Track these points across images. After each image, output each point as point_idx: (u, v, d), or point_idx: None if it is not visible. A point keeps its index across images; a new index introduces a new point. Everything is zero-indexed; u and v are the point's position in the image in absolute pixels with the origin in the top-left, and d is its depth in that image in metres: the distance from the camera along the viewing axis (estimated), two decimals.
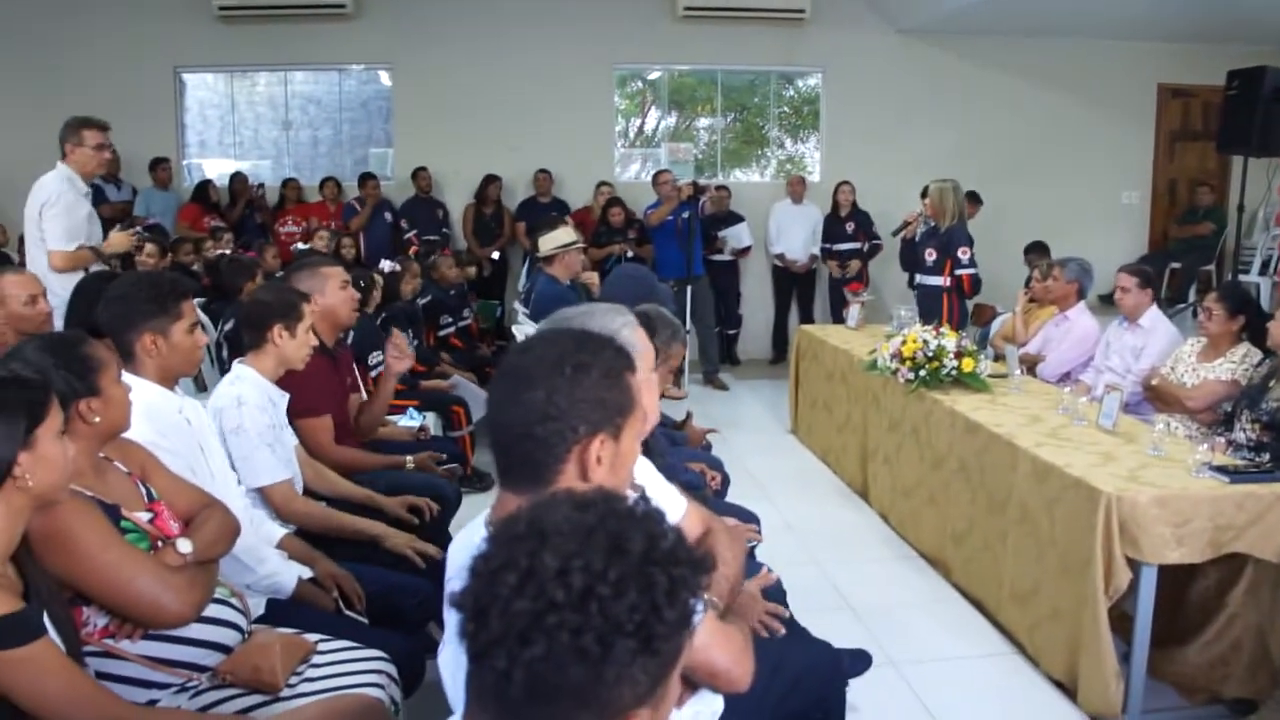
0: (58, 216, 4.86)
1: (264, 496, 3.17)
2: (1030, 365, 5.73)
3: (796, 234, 10.18)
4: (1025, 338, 6.15)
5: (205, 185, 9.76)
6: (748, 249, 10.13)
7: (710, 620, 1.79)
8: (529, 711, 0.99)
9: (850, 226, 9.98)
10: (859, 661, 3.35)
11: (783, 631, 2.46)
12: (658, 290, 4.29)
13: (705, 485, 3.84)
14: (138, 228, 6.03)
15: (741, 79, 11.26)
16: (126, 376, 2.42)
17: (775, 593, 2.89)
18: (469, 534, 1.77)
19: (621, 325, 2.21)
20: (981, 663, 3.90)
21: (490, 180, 9.93)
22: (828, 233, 10.08)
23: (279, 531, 2.99)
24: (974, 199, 9.09)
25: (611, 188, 9.95)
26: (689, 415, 4.72)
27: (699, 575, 1.05)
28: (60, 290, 4.33)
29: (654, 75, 11.39)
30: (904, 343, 5.07)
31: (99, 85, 9.83)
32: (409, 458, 3.93)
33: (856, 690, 2.71)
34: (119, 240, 5.13)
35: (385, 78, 10.63)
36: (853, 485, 5.96)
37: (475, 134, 10.03)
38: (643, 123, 11.86)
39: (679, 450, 4.17)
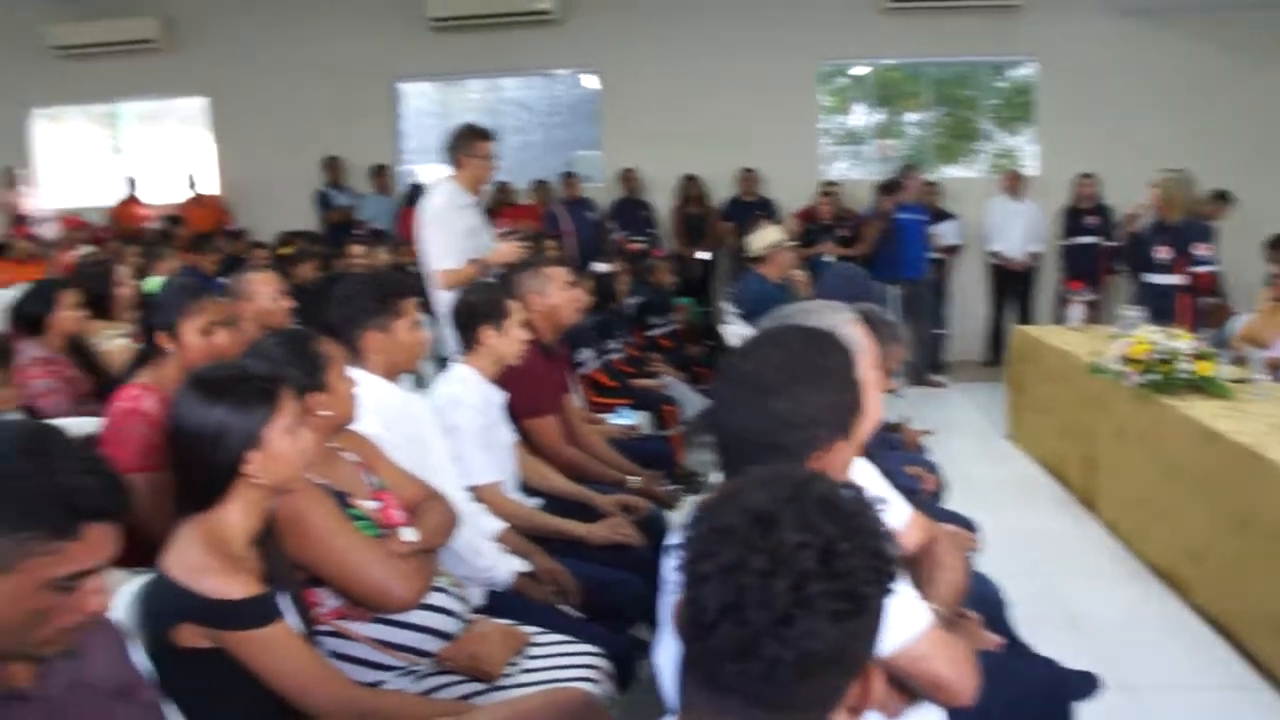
0: (434, 236, 4.88)
1: (475, 495, 3.25)
2: (1276, 369, 5.31)
3: (1014, 231, 9.74)
4: (1273, 339, 5.69)
5: (417, 189, 10.17)
6: (957, 247, 9.80)
7: (934, 630, 1.72)
8: (797, 691, 1.02)
9: (1092, 221, 9.41)
10: (1086, 684, 3.15)
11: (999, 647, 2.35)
12: (871, 290, 4.19)
13: (921, 489, 3.72)
14: (514, 231, 5.90)
15: (950, 71, 10.92)
16: (353, 372, 2.53)
17: (995, 605, 2.77)
18: None
19: (842, 322, 2.15)
20: (1226, 695, 3.58)
21: (694, 180, 9.96)
22: (1068, 228, 9.57)
23: (497, 525, 3.05)
24: (1222, 198, 8.52)
25: (834, 186, 9.79)
26: (903, 418, 4.59)
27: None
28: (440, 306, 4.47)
29: (859, 70, 11.16)
30: (1133, 344, 4.78)
31: (322, 96, 10.45)
32: (632, 477, 3.91)
33: (1083, 715, 2.55)
34: (507, 251, 4.93)
35: (592, 81, 10.81)
36: (1076, 494, 5.66)
37: (680, 134, 10.08)
38: (848, 119, 11.65)
39: (894, 454, 4.06)
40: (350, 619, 2.29)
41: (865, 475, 2.07)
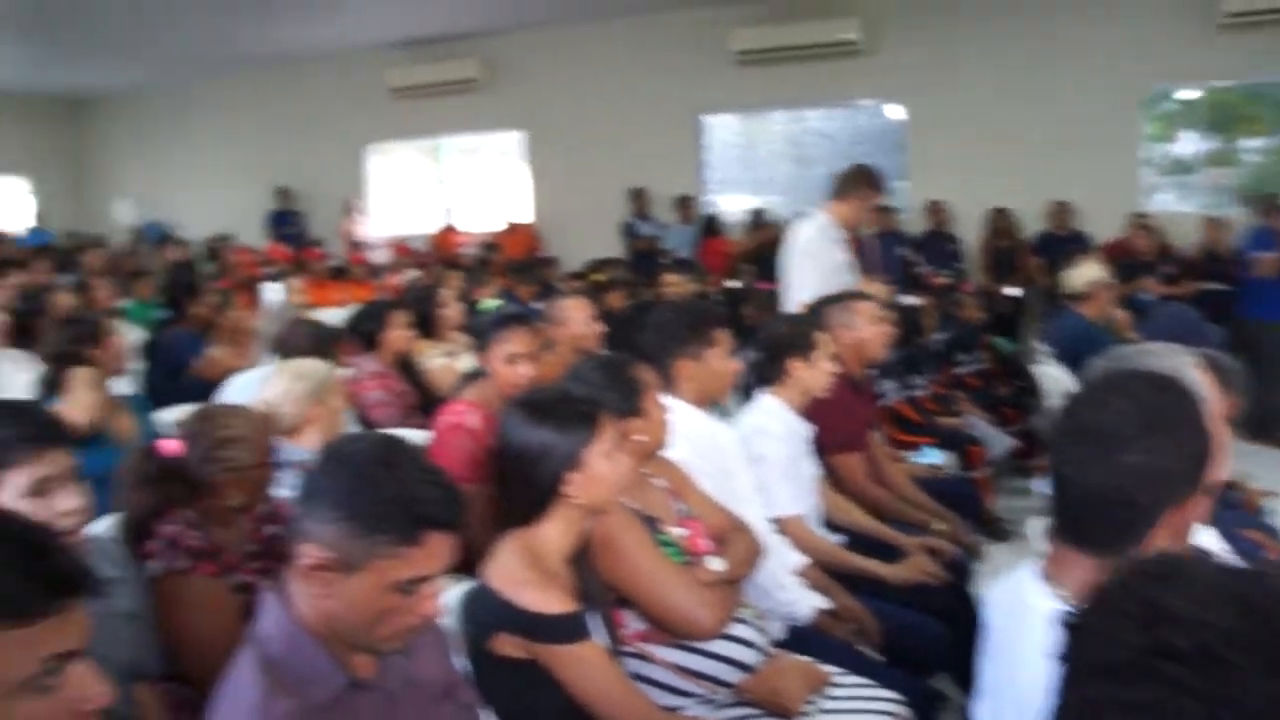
0: (803, 267, 4.80)
1: (778, 527, 3.21)
2: None
3: None
4: None
5: (711, 220, 10.34)
6: None
7: None
8: None
9: None
10: None
11: None
12: (1205, 332, 3.85)
13: (1262, 556, 3.37)
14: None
15: None
16: (665, 398, 2.56)
17: None
18: (1017, 593, 1.61)
19: (1185, 367, 1.97)
20: None
21: (1004, 212, 9.56)
22: None
23: (799, 559, 3.00)
24: None
25: (1147, 218, 9.13)
26: (1242, 476, 4.18)
27: None
28: None
29: (1188, 94, 10.35)
30: None
31: (629, 129, 10.82)
32: (937, 521, 3.75)
33: None
34: (877, 291, 4.75)
35: (896, 111, 10.61)
36: None
37: (989, 164, 9.69)
38: (1174, 146, 10.82)
39: (1230, 514, 3.70)
40: (653, 643, 2.31)
41: (1205, 539, 1.89)
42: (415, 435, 3.70)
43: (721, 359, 2.94)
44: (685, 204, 10.54)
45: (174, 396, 4.33)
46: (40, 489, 1.92)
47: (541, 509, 2.00)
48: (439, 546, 1.48)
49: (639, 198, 10.73)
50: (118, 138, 15.30)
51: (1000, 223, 9.58)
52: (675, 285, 6.45)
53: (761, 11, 10.12)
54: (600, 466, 2.00)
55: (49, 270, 6.84)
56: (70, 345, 3.51)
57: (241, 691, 1.46)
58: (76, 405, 3.29)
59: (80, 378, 3.37)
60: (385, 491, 1.45)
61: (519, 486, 2.01)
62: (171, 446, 2.23)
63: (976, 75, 9.76)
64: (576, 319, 3.86)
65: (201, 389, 4.69)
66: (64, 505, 1.94)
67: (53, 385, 3.37)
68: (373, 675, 1.57)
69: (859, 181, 4.83)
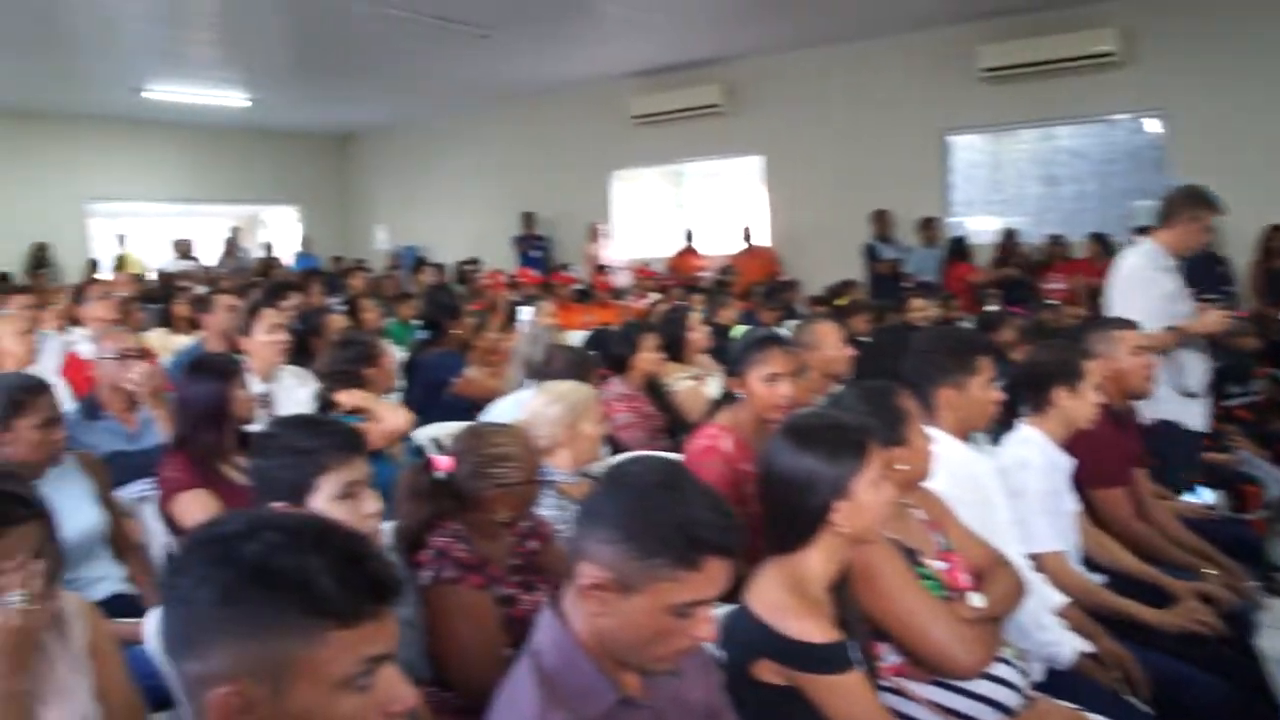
0: (1130, 297, 4.57)
1: (1036, 564, 3.09)
2: None
3: None
4: None
5: (960, 242, 10.03)
6: None
7: None
8: None
9: None
10: None
11: None
12: None
13: None
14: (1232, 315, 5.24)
15: None
16: (926, 428, 2.52)
17: None
18: None
19: None
20: None
21: (1277, 231, 8.86)
22: None
23: (1059, 599, 2.88)
24: None
25: None
26: None
27: None
28: None
29: None
30: None
31: (871, 150, 10.69)
32: (1209, 567, 3.50)
33: None
34: (1213, 320, 4.57)
35: (1154, 124, 10.03)
36: None
37: (1260, 179, 8.96)
38: None
39: None
40: (910, 678, 2.26)
41: None
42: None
43: (984, 388, 2.86)
44: (929, 226, 10.31)
45: (433, 414, 4.56)
46: (349, 493, 2.11)
47: (806, 537, 2.00)
48: (717, 572, 1.50)
49: (881, 220, 10.56)
50: (377, 169, 16.38)
51: (1273, 242, 8.89)
52: (922, 310, 6.31)
53: (1009, 27, 9.81)
54: (867, 496, 1.99)
55: (321, 293, 7.35)
56: (348, 365, 3.73)
57: (519, 702, 1.53)
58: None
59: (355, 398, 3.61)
60: (666, 515, 1.49)
61: (783, 513, 2.02)
62: (443, 462, 2.35)
63: (1242, 83, 9.09)
64: (828, 343, 3.84)
65: (459, 408, 4.94)
66: (368, 509, 2.12)
67: (331, 402, 3.61)
68: (641, 693, 1.61)
69: (1186, 203, 4.55)
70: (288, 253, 14.86)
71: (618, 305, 8.96)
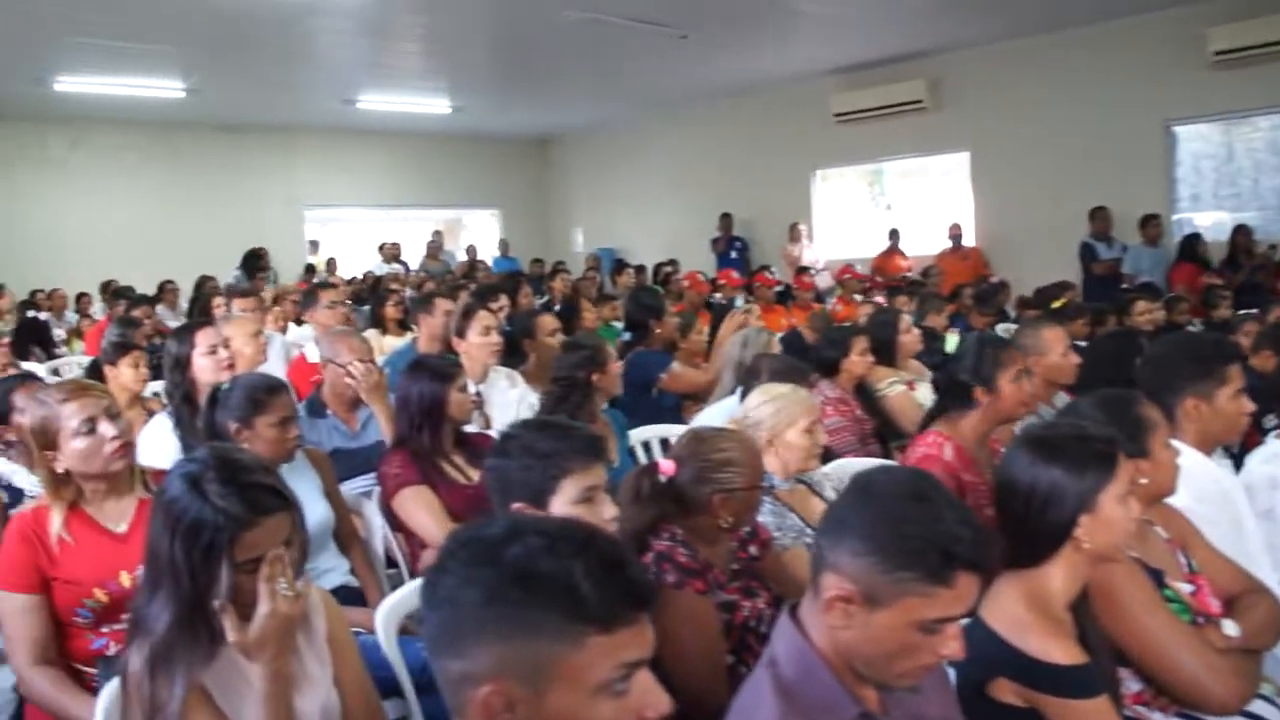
0: None
1: None
2: None
3: None
4: None
5: (1193, 240, 9.41)
6: None
7: None
8: None
9: None
10: None
11: None
12: None
13: None
14: None
15: None
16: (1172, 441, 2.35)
17: None
18: None
19: None
20: None
21: None
22: None
23: None
24: None
25: None
26: None
27: None
28: None
29: None
30: None
31: (1086, 143, 10.18)
32: None
33: None
34: None
35: None
36: None
37: None
38: None
39: None
40: (1153, 708, 2.11)
41: None
42: (875, 465, 3.68)
43: (1233, 398, 2.66)
44: (1150, 223, 9.67)
45: (641, 414, 4.58)
46: (587, 497, 2.13)
47: (1047, 552, 1.91)
48: (967, 588, 1.45)
49: (1099, 217, 9.97)
50: (575, 172, 16.75)
51: None
52: (1147, 313, 5.94)
53: (1243, 5, 9.10)
54: (1113, 511, 1.88)
55: (528, 295, 7.50)
56: (576, 370, 3.74)
57: (758, 713, 1.51)
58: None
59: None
60: (917, 528, 1.44)
61: (1023, 526, 1.93)
62: (666, 466, 2.34)
63: None
64: (1055, 349, 3.65)
65: (665, 407, 4.96)
66: (606, 514, 2.14)
67: (559, 405, 3.65)
68: (880, 709, 1.56)
69: None
70: (488, 255, 15.33)
71: (819, 307, 8.79)
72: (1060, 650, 1.79)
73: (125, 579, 2.41)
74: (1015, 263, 10.67)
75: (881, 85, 11.77)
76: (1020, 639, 1.82)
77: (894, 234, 11.92)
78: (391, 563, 3.38)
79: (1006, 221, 11.17)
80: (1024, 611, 1.85)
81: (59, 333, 8.84)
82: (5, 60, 9.85)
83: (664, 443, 4.22)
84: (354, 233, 16.34)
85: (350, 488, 3.50)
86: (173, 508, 1.75)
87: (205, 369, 3.69)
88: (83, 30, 8.82)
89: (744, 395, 3.70)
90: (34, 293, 11.20)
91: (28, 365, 5.90)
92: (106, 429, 2.47)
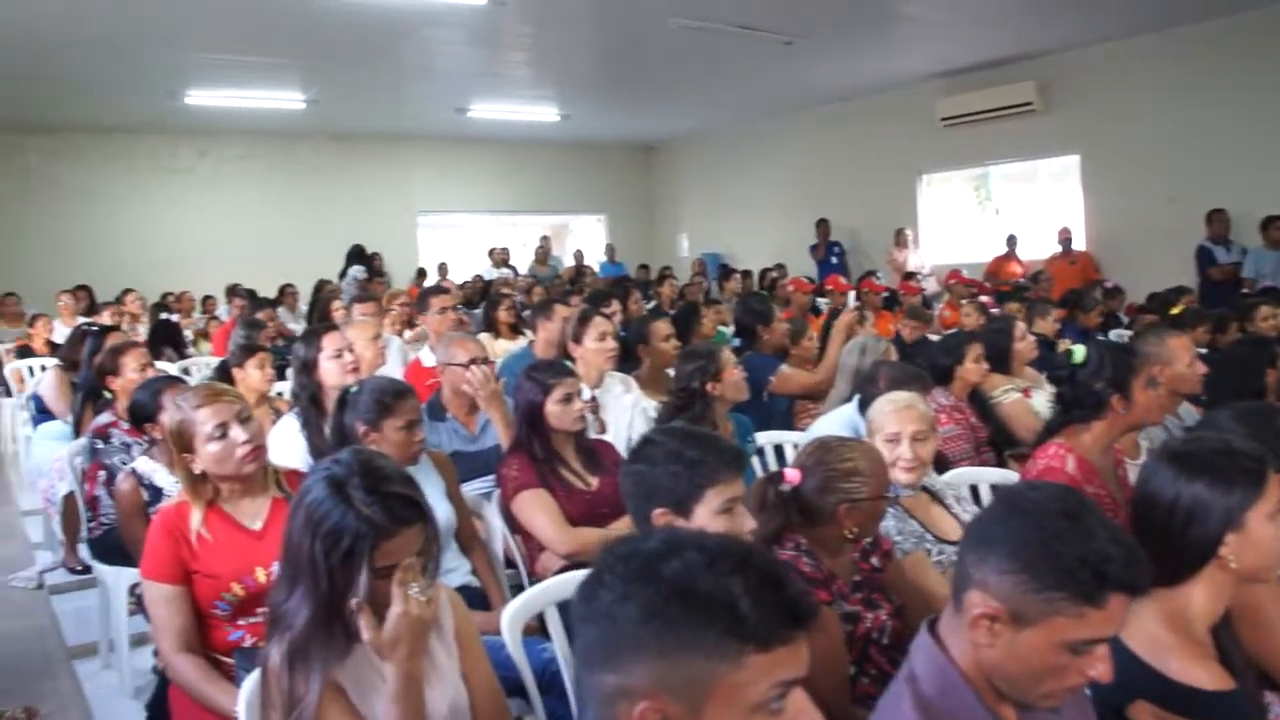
0: None
1: None
2: None
3: None
4: None
5: None
6: None
7: None
8: None
9: None
10: None
11: None
12: None
13: None
14: None
15: None
16: None
17: None
18: None
19: None
20: None
21: None
22: None
23: None
24: None
25: None
26: None
27: None
28: None
29: None
30: None
31: (1205, 143, 9.88)
32: None
33: None
34: None
35: None
36: None
37: None
38: None
39: None
40: None
41: None
42: (996, 474, 3.64)
43: None
44: (1273, 225, 9.27)
45: (754, 421, 4.57)
46: (729, 508, 2.13)
47: (1189, 570, 1.85)
48: (1119, 609, 1.42)
49: (1216, 220, 9.62)
50: (680, 177, 16.81)
51: None
52: (1272, 319, 5.73)
53: None
54: (1262, 529, 1.81)
55: (638, 300, 7.56)
56: (691, 380, 3.72)
57: None
58: None
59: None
60: (1069, 547, 1.41)
61: (1165, 544, 1.85)
62: (791, 475, 2.34)
63: None
64: (1181, 358, 3.54)
65: (775, 411, 4.95)
66: (745, 525, 2.13)
67: (678, 415, 3.66)
68: None
69: None
70: (594, 260, 15.47)
71: (926, 314, 8.67)
72: (1205, 674, 1.75)
73: (261, 575, 2.51)
74: (1127, 267, 10.39)
75: (989, 88, 11.59)
76: (1161, 661, 1.77)
77: (1011, 239, 11.68)
78: (509, 563, 3.43)
79: (1118, 225, 10.89)
80: (1165, 632, 1.80)
81: (186, 334, 9.16)
82: (142, 77, 10.33)
83: (778, 450, 4.22)
84: (460, 238, 16.65)
85: (469, 490, 3.56)
86: (315, 510, 1.80)
87: (331, 372, 3.79)
88: (213, 46, 9.22)
89: (861, 403, 3.70)
90: (164, 295, 11.63)
91: (160, 365, 6.13)
92: (238, 434, 2.57)
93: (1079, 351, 2.97)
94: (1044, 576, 1.41)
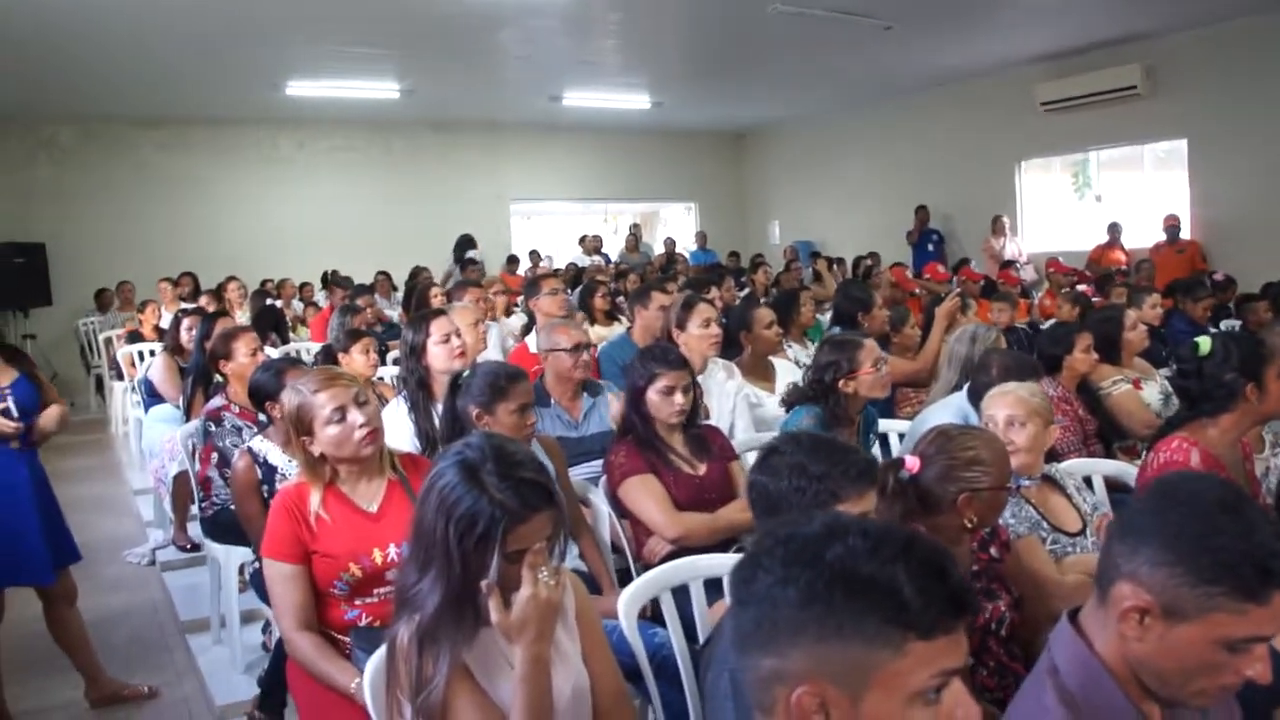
0: None
1: None
2: None
3: None
4: None
5: None
6: None
7: None
8: None
9: None
10: None
11: None
12: None
13: None
14: None
15: None
16: None
17: None
18: None
19: None
20: None
21: None
22: None
23: None
24: None
25: None
26: None
27: None
28: None
29: None
30: None
31: None
32: None
33: None
34: None
35: None
36: None
37: None
38: None
39: None
40: None
41: None
42: (1112, 466, 3.57)
43: None
44: None
45: None
46: None
47: None
48: None
49: None
50: (771, 165, 16.71)
51: None
52: None
53: None
54: None
55: (731, 288, 7.55)
56: (829, 374, 3.58)
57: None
58: None
59: None
60: (1230, 541, 1.36)
61: None
62: (911, 463, 2.32)
63: None
64: None
65: (878, 403, 4.90)
66: None
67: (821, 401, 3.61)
68: None
69: None
70: (684, 248, 15.48)
71: (1024, 302, 8.51)
72: None
73: (378, 556, 2.55)
74: (1236, 257, 10.03)
75: (1092, 71, 11.28)
76: None
77: (1114, 227, 11.37)
78: (615, 548, 3.43)
79: (1228, 213, 10.53)
80: None
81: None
82: (246, 68, 10.58)
83: (882, 439, 4.19)
84: (550, 226, 16.75)
85: (574, 475, 3.59)
86: (448, 495, 1.82)
87: (439, 356, 3.84)
88: (315, 38, 9.41)
89: (971, 391, 3.65)
90: (264, 282, 11.90)
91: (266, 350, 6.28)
92: (355, 416, 2.61)
93: (1205, 343, 2.90)
94: (1203, 570, 1.36)
